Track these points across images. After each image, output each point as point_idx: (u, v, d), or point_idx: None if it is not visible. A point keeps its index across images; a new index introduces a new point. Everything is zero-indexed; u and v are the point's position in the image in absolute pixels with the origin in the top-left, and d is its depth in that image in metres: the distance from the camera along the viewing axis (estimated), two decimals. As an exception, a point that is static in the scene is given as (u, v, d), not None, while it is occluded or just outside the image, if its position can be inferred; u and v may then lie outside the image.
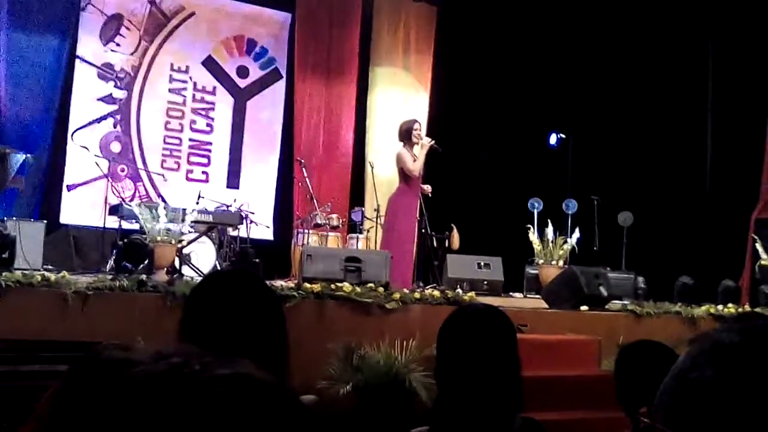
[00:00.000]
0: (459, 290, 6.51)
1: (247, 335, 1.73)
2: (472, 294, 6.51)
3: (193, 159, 10.58)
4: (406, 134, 7.58)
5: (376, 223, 8.70)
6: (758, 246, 8.34)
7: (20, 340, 4.64)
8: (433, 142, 7.51)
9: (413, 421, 2.22)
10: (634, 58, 10.49)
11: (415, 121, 7.84)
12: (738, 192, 9.49)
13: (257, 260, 7.73)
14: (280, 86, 11.14)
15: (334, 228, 9.13)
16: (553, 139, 11.20)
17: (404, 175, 7.49)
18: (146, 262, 6.55)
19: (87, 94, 9.87)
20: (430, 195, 7.89)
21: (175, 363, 0.64)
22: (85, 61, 9.87)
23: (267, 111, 11.07)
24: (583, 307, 6.67)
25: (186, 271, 7.61)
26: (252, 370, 0.67)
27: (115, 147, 9.98)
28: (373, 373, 5.06)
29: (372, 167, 9.51)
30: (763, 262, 8.20)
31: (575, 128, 11.30)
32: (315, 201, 9.11)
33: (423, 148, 7.46)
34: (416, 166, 7.44)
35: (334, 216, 9.21)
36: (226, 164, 10.76)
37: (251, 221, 9.09)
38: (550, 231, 8.30)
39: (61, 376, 0.71)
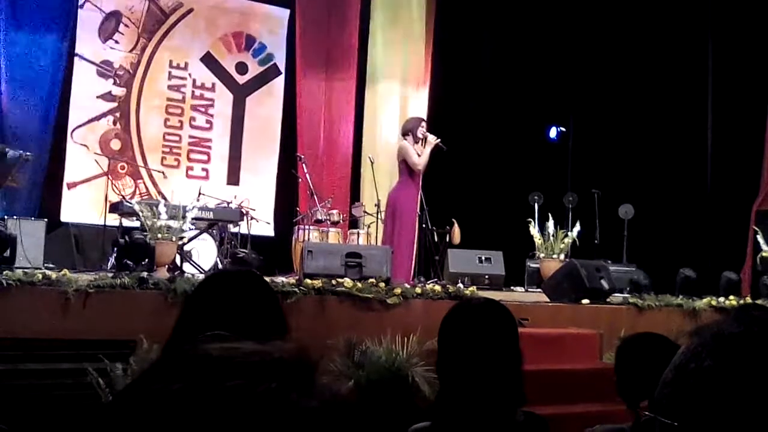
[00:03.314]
0: (460, 285, 6.49)
1: (246, 334, 1.73)
2: (473, 288, 6.49)
3: (193, 156, 10.57)
4: (411, 131, 7.59)
5: (377, 218, 8.70)
6: (759, 238, 8.34)
7: (21, 338, 4.65)
8: (439, 140, 7.50)
9: (416, 416, 2.22)
10: (634, 50, 10.47)
11: (422, 120, 7.89)
12: (739, 184, 9.49)
13: (255, 256, 7.67)
14: (279, 82, 11.13)
15: (334, 224, 9.12)
16: (553, 132, 11.21)
17: (407, 168, 7.46)
18: (147, 259, 6.54)
19: (86, 92, 9.85)
20: (444, 148, 7.64)
21: (273, 388, 0.65)
22: (84, 59, 9.85)
23: (266, 107, 11.05)
24: (585, 301, 6.67)
25: (187, 268, 7.61)
26: (335, 400, 0.68)
27: (115, 144, 9.98)
28: (375, 368, 5.06)
29: (372, 162, 9.50)
30: (764, 254, 8.21)
31: (575, 121, 11.29)
32: (315, 197, 9.09)
33: (428, 146, 7.45)
34: (421, 161, 7.43)
35: (335, 212, 9.20)
36: (226, 161, 10.74)
37: (252, 218, 9.08)
38: (550, 225, 8.28)
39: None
